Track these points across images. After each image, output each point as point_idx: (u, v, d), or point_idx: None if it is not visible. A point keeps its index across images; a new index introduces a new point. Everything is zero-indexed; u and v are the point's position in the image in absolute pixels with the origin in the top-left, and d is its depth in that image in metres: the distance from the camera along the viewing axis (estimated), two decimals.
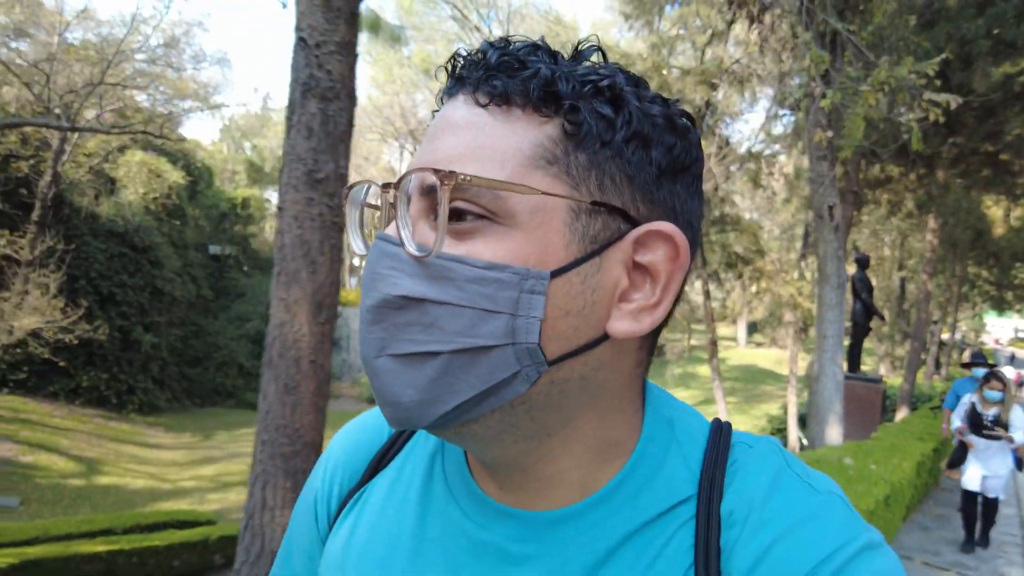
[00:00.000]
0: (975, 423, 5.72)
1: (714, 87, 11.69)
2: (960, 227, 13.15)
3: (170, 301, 22.25)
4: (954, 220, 12.60)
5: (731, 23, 10.52)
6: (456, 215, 0.46)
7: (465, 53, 0.51)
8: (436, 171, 0.45)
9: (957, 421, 5.95)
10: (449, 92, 0.52)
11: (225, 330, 25.20)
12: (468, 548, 0.54)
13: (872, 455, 5.36)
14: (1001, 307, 24.61)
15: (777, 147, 12.62)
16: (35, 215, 15.80)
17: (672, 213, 0.50)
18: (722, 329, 28.17)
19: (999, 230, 14.69)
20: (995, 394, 5.68)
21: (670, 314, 0.50)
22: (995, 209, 14.38)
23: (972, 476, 5.77)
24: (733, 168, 12.14)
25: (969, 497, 5.87)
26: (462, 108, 0.49)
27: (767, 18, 10.03)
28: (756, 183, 12.18)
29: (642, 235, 0.49)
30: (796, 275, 13.56)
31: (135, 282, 21.03)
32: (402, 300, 0.47)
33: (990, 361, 7.06)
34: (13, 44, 15.23)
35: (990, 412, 5.71)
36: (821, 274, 7.17)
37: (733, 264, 13.09)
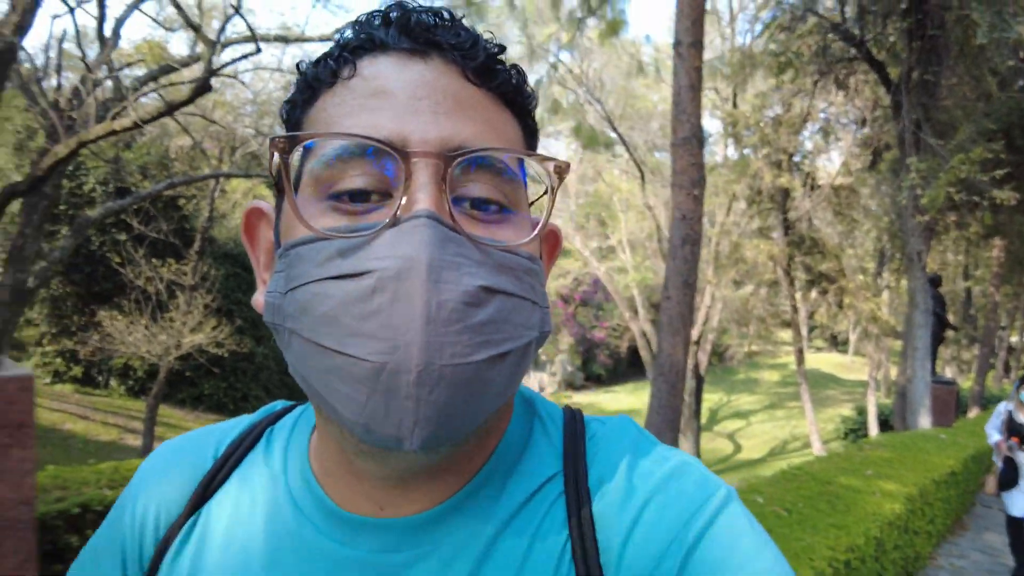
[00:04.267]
0: (1015, 433, 5.03)
1: (798, 132, 14.28)
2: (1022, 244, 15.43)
3: None
4: (1020, 241, 14.89)
5: (817, 82, 13.05)
6: (483, 202, 0.48)
7: (414, 7, 0.51)
8: (539, 159, 0.50)
9: (995, 434, 5.16)
10: (396, 42, 0.49)
11: None
12: (331, 569, 0.51)
13: (958, 433, 7.92)
14: None
15: (853, 179, 15.08)
16: (196, 246, 19.07)
17: None
18: (783, 334, 30.23)
19: None
20: None
21: None
22: None
23: (1018, 499, 4.88)
24: (819, 200, 14.67)
25: (1016, 526, 4.94)
26: (450, 77, 0.49)
27: (851, 82, 12.58)
28: (838, 213, 14.73)
29: (546, 234, 0.57)
30: (873, 293, 15.97)
31: (247, 299, 24.43)
32: (482, 293, 0.44)
33: None
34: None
35: None
36: (911, 301, 9.74)
37: (817, 282, 15.60)
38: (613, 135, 16.92)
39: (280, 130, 0.57)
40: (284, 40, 13.72)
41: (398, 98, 0.47)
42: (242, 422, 0.66)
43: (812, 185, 14.70)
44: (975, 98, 9.92)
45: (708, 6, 6.61)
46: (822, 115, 14.20)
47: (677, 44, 5.93)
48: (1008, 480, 4.96)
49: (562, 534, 0.50)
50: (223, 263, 23.56)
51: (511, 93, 0.52)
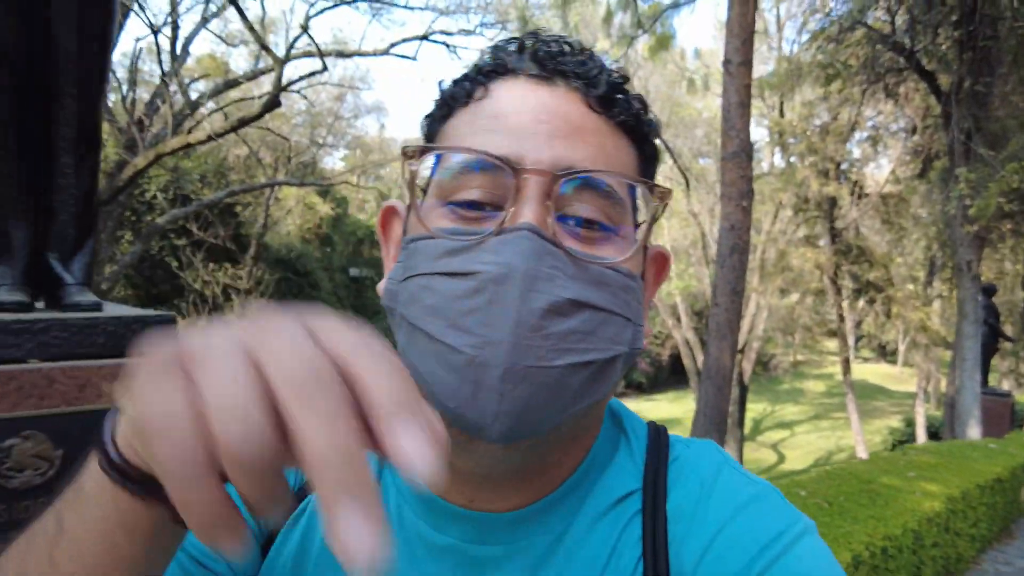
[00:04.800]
0: None
1: (846, 140, 14.31)
2: None
3: None
4: None
5: (865, 91, 13.09)
6: (588, 222, 0.52)
7: (545, 37, 0.57)
8: (641, 183, 0.54)
9: None
10: (525, 67, 0.55)
11: None
12: (427, 552, 0.56)
13: (1010, 444, 7.94)
14: None
15: (902, 187, 15.01)
16: (251, 251, 19.95)
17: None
18: (829, 344, 29.83)
19: None
20: None
21: None
22: None
23: None
24: (866, 208, 14.66)
25: None
26: (572, 104, 0.54)
27: (902, 90, 12.58)
28: (887, 221, 14.69)
29: (654, 255, 0.61)
30: (923, 302, 15.83)
31: (298, 303, 25.27)
32: (570, 305, 0.48)
33: None
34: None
35: None
36: (960, 311, 9.77)
37: (865, 291, 15.55)
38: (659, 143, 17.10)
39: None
40: (342, 55, 14.39)
41: (521, 119, 0.51)
42: None
43: (860, 193, 14.70)
44: None
45: (757, 24, 6.91)
46: (870, 123, 14.20)
47: (727, 63, 6.22)
48: None
49: (636, 551, 0.52)
50: (276, 268, 24.51)
51: (631, 121, 0.57)
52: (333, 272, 28.70)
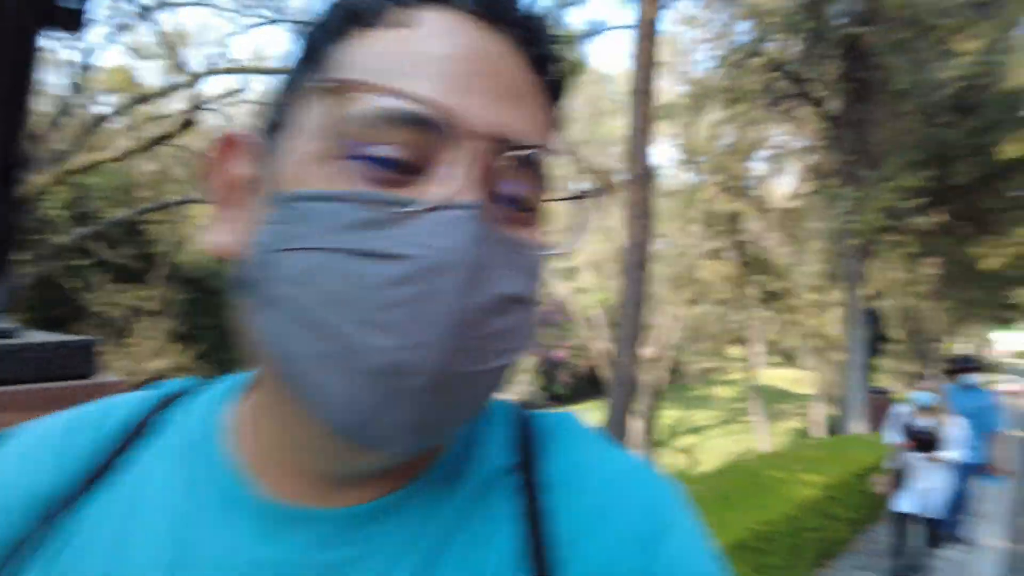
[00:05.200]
0: (911, 435, 5.12)
1: (748, 159, 15.38)
2: (955, 265, 16.75)
3: (235, 340, 25.90)
4: (950, 261, 16.17)
5: (767, 115, 14.11)
6: (519, 201, 0.44)
7: None
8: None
9: (894, 437, 5.23)
10: (470, 3, 0.43)
11: None
12: (251, 569, 0.44)
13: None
14: (1005, 323, 28.25)
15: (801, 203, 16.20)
16: (160, 271, 19.23)
17: None
18: (737, 351, 31.46)
19: (991, 264, 18.28)
20: (926, 397, 5.06)
21: None
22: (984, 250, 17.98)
23: (903, 497, 5.02)
24: (769, 223, 15.74)
25: (899, 522, 5.10)
26: (514, 57, 0.44)
27: (799, 113, 13.67)
28: (788, 234, 15.84)
29: None
30: (820, 310, 17.08)
31: (209, 323, 24.59)
32: (510, 301, 0.42)
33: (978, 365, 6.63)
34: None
35: (923, 422, 5.09)
36: (847, 317, 10.71)
37: (768, 300, 16.64)
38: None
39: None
40: (263, 72, 14.21)
41: (459, 67, 0.41)
42: (130, 401, 0.56)
43: (763, 209, 15.79)
44: (902, 132, 11.02)
45: (670, 41, 7.44)
46: (775, 140, 15.30)
47: (635, 92, 6.71)
48: (901, 482, 5.07)
49: (516, 527, 0.48)
50: (187, 287, 23.66)
51: (557, 87, 0.48)
52: None
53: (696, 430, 28.67)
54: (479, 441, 0.53)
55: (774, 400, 34.01)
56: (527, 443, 0.53)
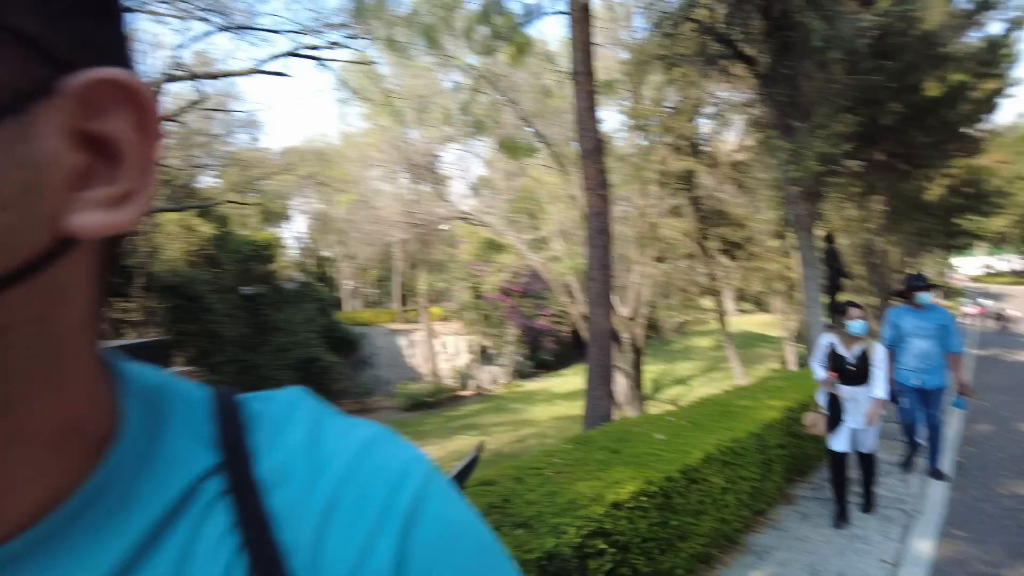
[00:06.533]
0: (837, 368, 5.06)
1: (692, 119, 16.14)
2: (900, 200, 17.79)
3: (223, 342, 26.29)
4: (893, 195, 17.18)
5: (705, 75, 14.81)
6: None
7: None
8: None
9: (820, 371, 5.17)
10: None
11: (270, 362, 29.12)
12: None
13: None
14: (959, 249, 29.71)
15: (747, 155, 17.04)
16: (143, 282, 19.60)
17: (119, 61, 0.35)
18: (710, 302, 32.64)
19: (933, 195, 19.39)
20: (858, 325, 4.97)
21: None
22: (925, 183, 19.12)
23: (840, 434, 5.04)
24: (720, 177, 16.58)
25: (837, 460, 5.12)
26: None
27: (735, 71, 14.40)
28: (740, 186, 16.69)
29: (88, 88, 0.33)
30: (781, 254, 18.05)
31: (194, 329, 24.95)
32: None
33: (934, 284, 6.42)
34: None
35: (854, 351, 5.05)
36: (804, 261, 11.60)
37: (728, 250, 17.54)
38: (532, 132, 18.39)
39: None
40: (211, 77, 14.61)
41: None
42: None
43: (714, 164, 16.60)
44: (828, 82, 11.80)
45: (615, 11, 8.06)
46: (716, 97, 16.06)
47: (575, 74, 7.34)
48: (833, 418, 5.05)
49: (230, 541, 0.40)
50: (166, 296, 24.00)
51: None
52: (224, 293, 28.32)
53: (681, 381, 29.80)
54: (163, 443, 0.42)
55: (752, 344, 35.33)
56: (233, 436, 0.44)
